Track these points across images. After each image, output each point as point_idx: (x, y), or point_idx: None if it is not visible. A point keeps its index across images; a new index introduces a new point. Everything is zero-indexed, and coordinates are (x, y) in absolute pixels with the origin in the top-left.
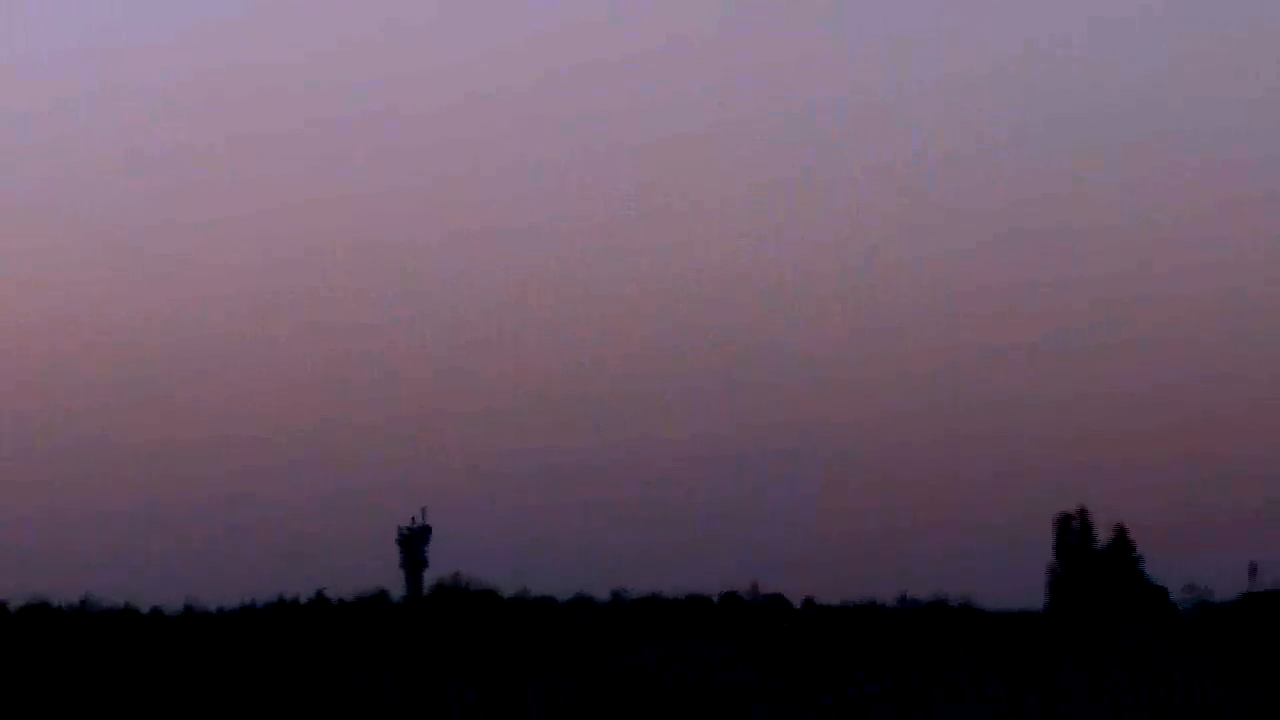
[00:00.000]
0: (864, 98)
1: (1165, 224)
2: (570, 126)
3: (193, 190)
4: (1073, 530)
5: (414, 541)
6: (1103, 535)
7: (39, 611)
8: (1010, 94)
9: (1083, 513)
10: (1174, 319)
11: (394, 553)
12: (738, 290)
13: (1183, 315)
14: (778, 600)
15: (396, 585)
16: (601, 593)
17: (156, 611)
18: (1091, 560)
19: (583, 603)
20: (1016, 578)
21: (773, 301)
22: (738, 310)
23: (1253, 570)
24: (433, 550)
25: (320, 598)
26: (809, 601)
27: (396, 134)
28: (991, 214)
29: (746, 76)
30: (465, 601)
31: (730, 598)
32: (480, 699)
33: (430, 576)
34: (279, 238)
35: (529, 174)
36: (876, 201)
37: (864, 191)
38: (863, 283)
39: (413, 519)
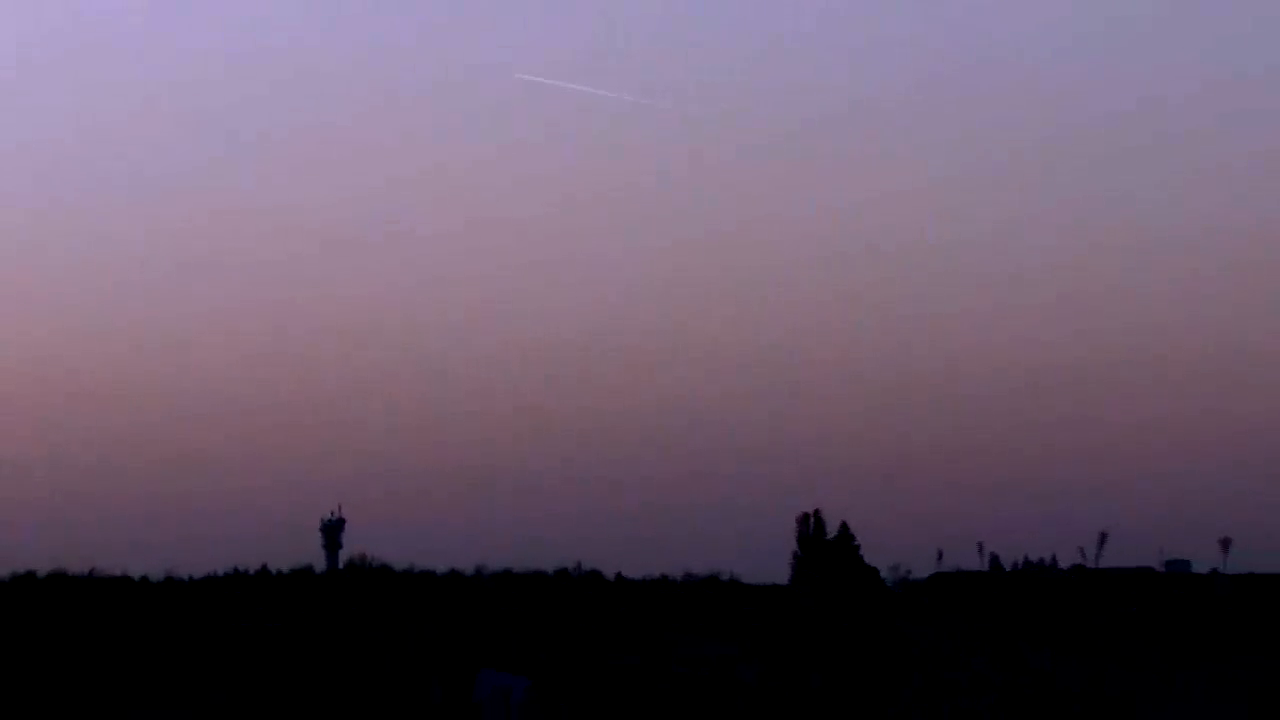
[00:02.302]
0: None
1: None
2: None
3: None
4: (809, 525)
5: (333, 529)
6: (831, 529)
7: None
8: None
9: (817, 512)
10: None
11: (317, 537)
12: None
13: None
14: (595, 575)
15: (319, 562)
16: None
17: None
18: (824, 548)
19: (457, 577)
20: (764, 559)
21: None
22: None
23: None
24: (346, 536)
25: (264, 569)
26: (619, 576)
27: None
28: None
29: None
30: (369, 574)
31: (561, 573)
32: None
33: (343, 556)
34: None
35: None
36: None
37: None
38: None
39: (331, 512)
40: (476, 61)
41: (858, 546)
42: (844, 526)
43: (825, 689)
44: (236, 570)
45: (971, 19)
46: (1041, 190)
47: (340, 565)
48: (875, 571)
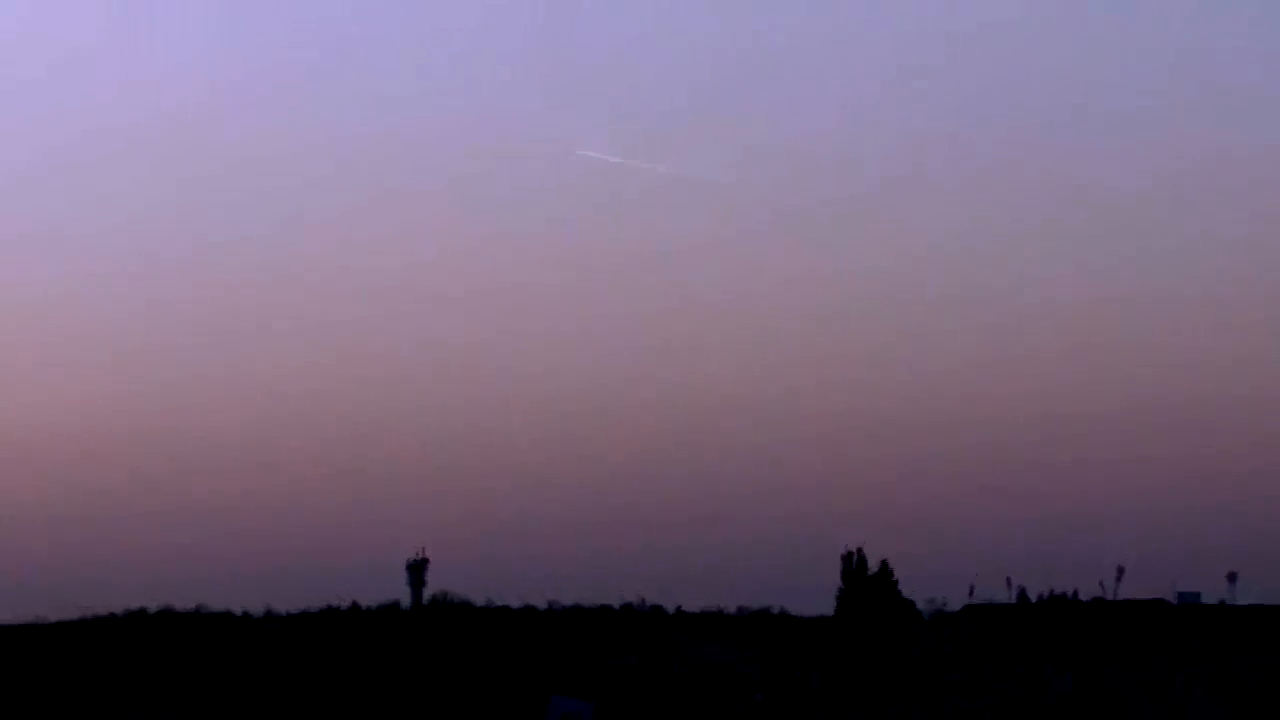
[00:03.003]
0: None
1: None
2: None
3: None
4: (852, 562)
5: (418, 568)
6: (873, 566)
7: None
8: None
9: (860, 550)
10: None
11: (403, 575)
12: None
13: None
14: (658, 609)
15: (405, 598)
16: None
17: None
18: (866, 583)
19: (530, 611)
20: (814, 593)
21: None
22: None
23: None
24: (430, 574)
25: (354, 605)
26: (679, 609)
27: None
28: None
29: None
30: (451, 609)
31: (626, 608)
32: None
33: (427, 592)
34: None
35: None
36: None
37: None
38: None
39: (417, 552)
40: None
41: (896, 581)
42: (884, 564)
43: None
44: (330, 606)
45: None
46: (1049, 246)
47: (425, 601)
48: (912, 604)
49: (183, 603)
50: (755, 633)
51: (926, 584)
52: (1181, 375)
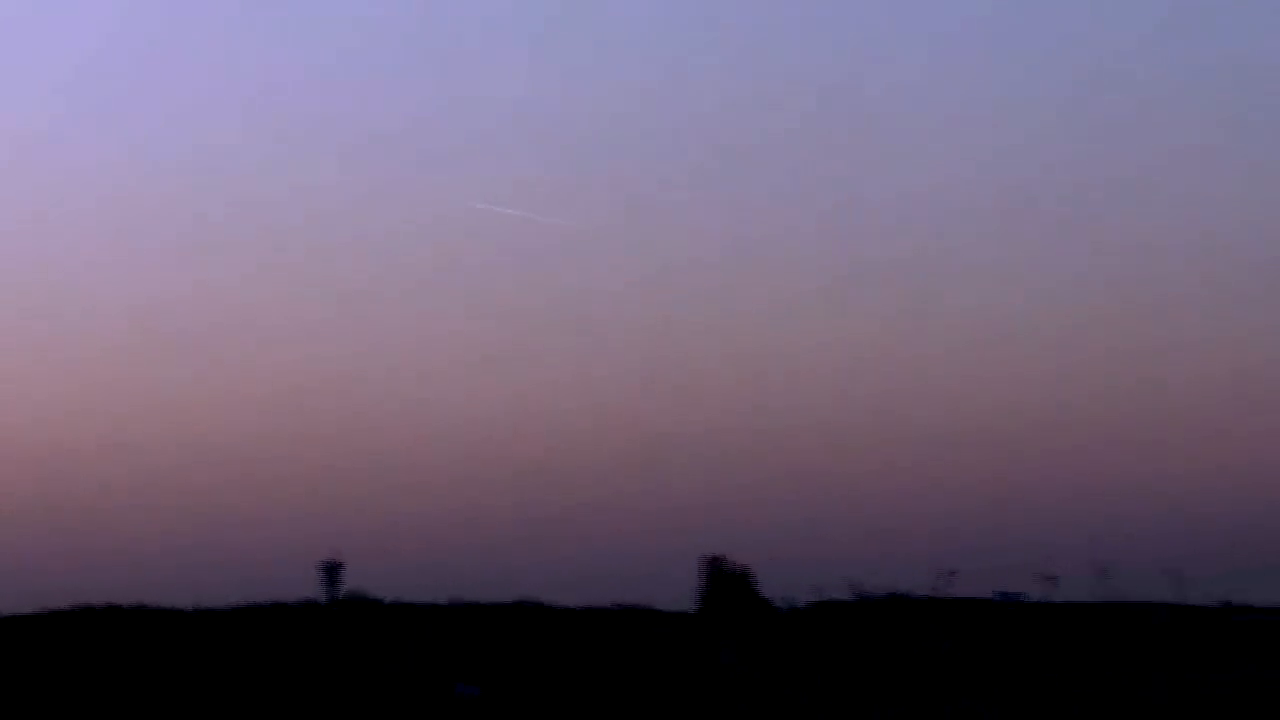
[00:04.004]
0: None
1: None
2: None
3: None
4: (713, 563)
5: (332, 569)
6: (733, 566)
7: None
8: None
9: (721, 556)
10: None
11: (318, 575)
12: None
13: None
14: (540, 605)
15: (321, 597)
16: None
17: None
18: (726, 582)
19: (434, 608)
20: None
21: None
22: None
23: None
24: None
25: (276, 602)
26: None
27: None
28: None
29: None
30: (362, 607)
31: (518, 604)
32: None
33: (340, 590)
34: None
35: None
36: None
37: None
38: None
39: (330, 554)
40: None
41: (754, 580)
42: (743, 565)
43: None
44: (253, 603)
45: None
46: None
47: (338, 598)
48: (768, 601)
49: (111, 598)
50: (627, 627)
51: (781, 583)
52: (1006, 386)
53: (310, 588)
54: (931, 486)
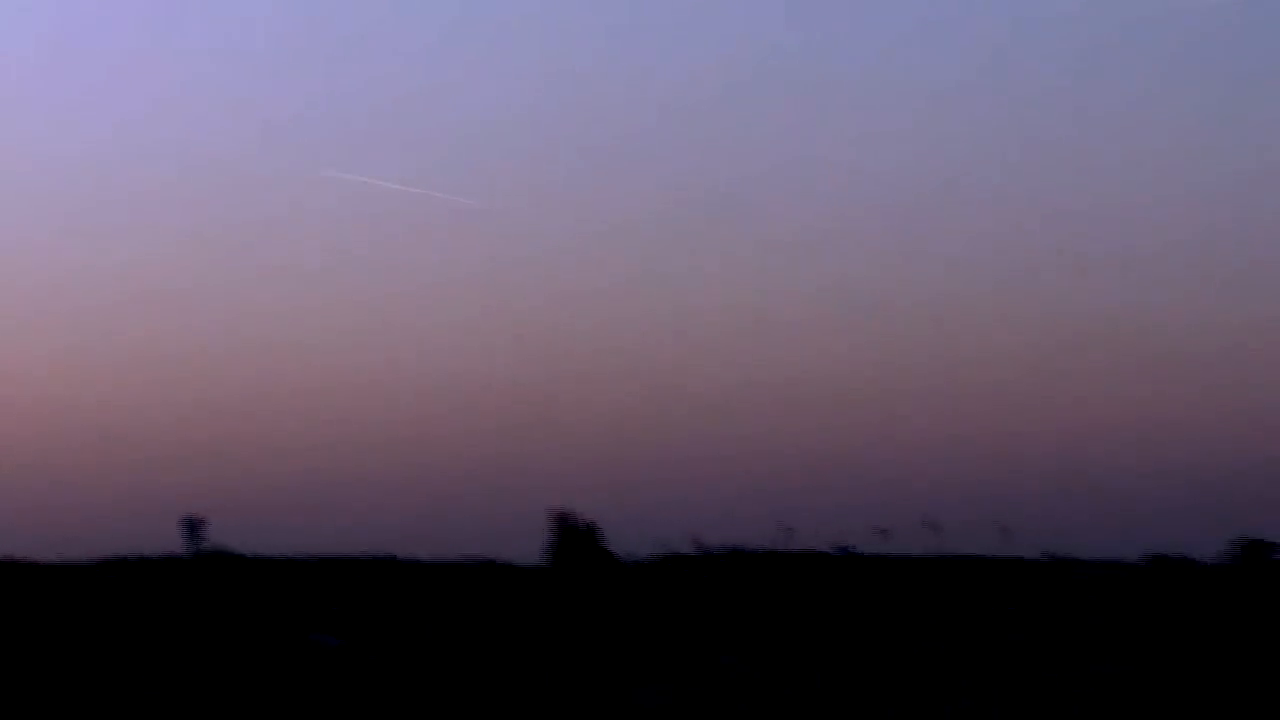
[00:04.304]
0: None
1: None
2: None
3: None
4: (563, 518)
5: (194, 525)
6: (581, 521)
7: None
8: None
9: (569, 512)
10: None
11: (180, 531)
12: None
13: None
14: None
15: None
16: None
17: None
18: (574, 536)
19: (291, 562)
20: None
21: None
22: None
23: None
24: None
25: (141, 556)
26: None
27: None
28: None
29: None
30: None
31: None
32: None
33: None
34: None
35: None
36: None
37: None
38: None
39: (193, 510)
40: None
41: (600, 534)
42: (590, 519)
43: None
44: (117, 556)
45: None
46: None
47: (200, 553)
48: (614, 555)
49: None
50: (479, 580)
51: (626, 537)
52: (846, 351)
53: (174, 543)
54: (772, 445)
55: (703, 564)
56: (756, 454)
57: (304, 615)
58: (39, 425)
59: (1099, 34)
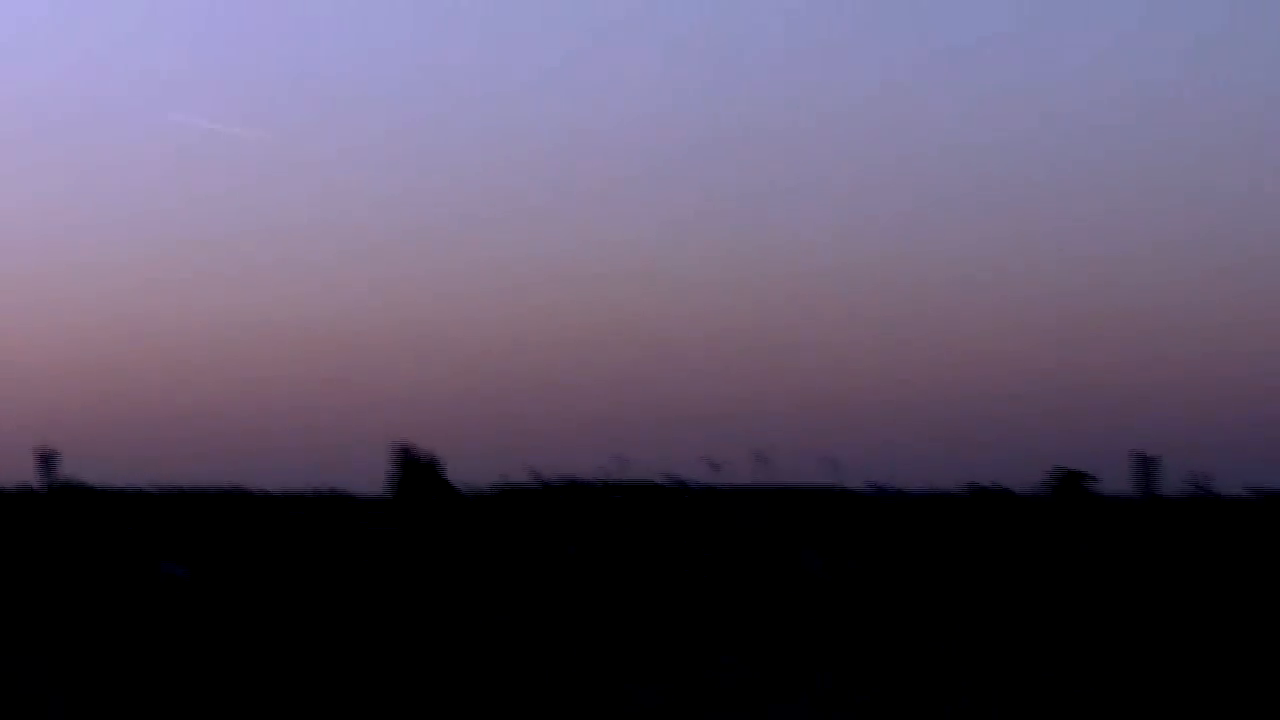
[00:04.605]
0: None
1: None
2: None
3: None
4: (405, 451)
5: (47, 458)
6: (422, 455)
7: None
8: None
9: (410, 445)
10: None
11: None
12: None
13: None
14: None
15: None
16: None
17: None
18: (417, 469)
19: (141, 494)
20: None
21: None
22: None
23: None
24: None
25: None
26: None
27: None
28: None
29: None
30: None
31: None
32: None
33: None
34: None
35: None
36: None
37: None
38: None
39: (46, 444)
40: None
41: (440, 467)
42: (430, 452)
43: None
44: None
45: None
46: None
47: (52, 486)
48: (454, 487)
49: None
50: (325, 511)
51: (469, 470)
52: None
53: (27, 475)
54: (605, 379)
55: (540, 495)
56: (589, 387)
57: (154, 546)
58: None
59: None
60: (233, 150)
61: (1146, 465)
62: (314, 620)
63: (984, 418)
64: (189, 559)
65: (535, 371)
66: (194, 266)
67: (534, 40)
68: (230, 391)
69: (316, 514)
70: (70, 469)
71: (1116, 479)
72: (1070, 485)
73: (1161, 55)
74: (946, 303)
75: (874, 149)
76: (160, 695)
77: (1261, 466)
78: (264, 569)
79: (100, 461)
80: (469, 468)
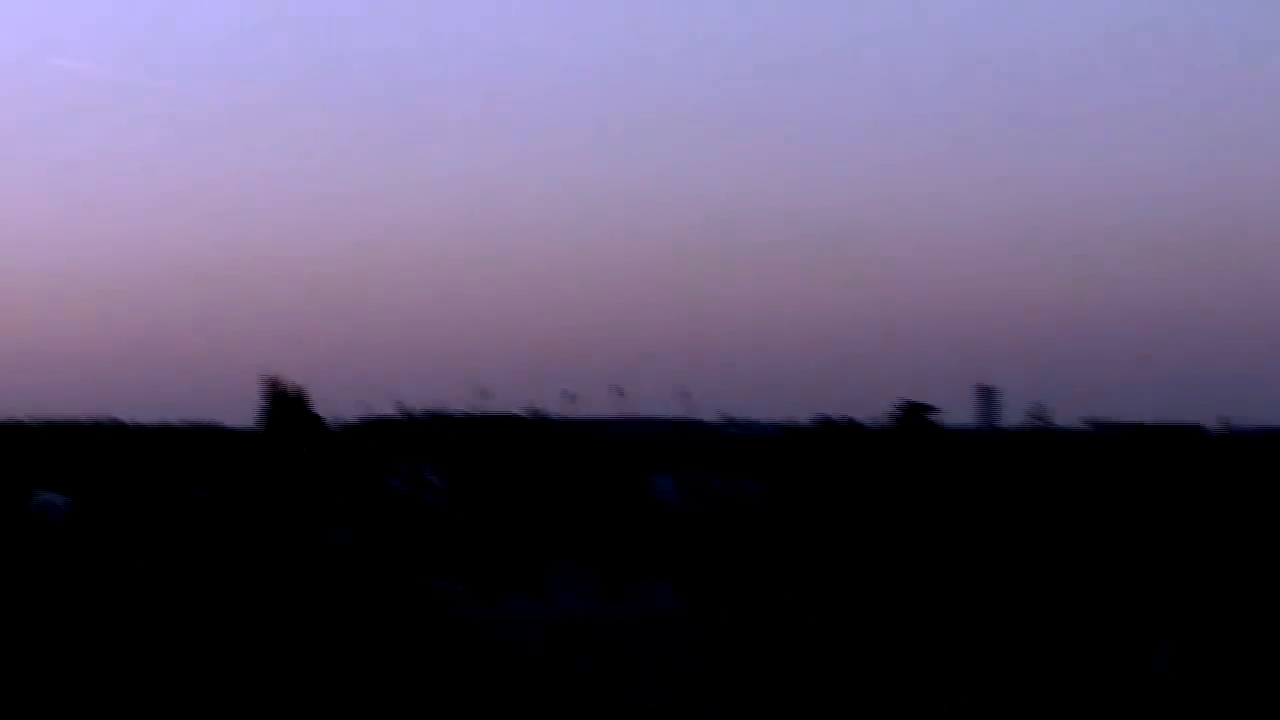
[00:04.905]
0: None
1: None
2: None
3: None
4: (273, 385)
5: None
6: (289, 388)
7: None
8: None
9: (278, 378)
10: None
11: None
12: None
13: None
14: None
15: None
16: None
17: None
18: (283, 400)
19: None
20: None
21: None
22: None
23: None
24: None
25: None
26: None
27: None
28: None
29: None
30: None
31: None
32: None
33: None
34: None
35: None
36: None
37: None
38: None
39: None
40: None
41: (308, 399)
42: (298, 384)
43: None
44: None
45: None
46: None
47: None
48: (321, 419)
49: None
50: (198, 442)
51: (336, 402)
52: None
53: None
54: (469, 310)
55: (404, 426)
56: (453, 319)
57: (30, 476)
58: None
59: None
60: (110, 94)
61: (988, 398)
62: (187, 547)
63: (835, 352)
64: (65, 489)
65: (400, 305)
66: (68, 198)
67: None
68: (102, 325)
69: (189, 445)
70: None
71: (960, 412)
72: (914, 417)
73: None
74: (798, 240)
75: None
76: (37, 622)
77: (1100, 400)
78: (140, 497)
79: None
80: (336, 400)
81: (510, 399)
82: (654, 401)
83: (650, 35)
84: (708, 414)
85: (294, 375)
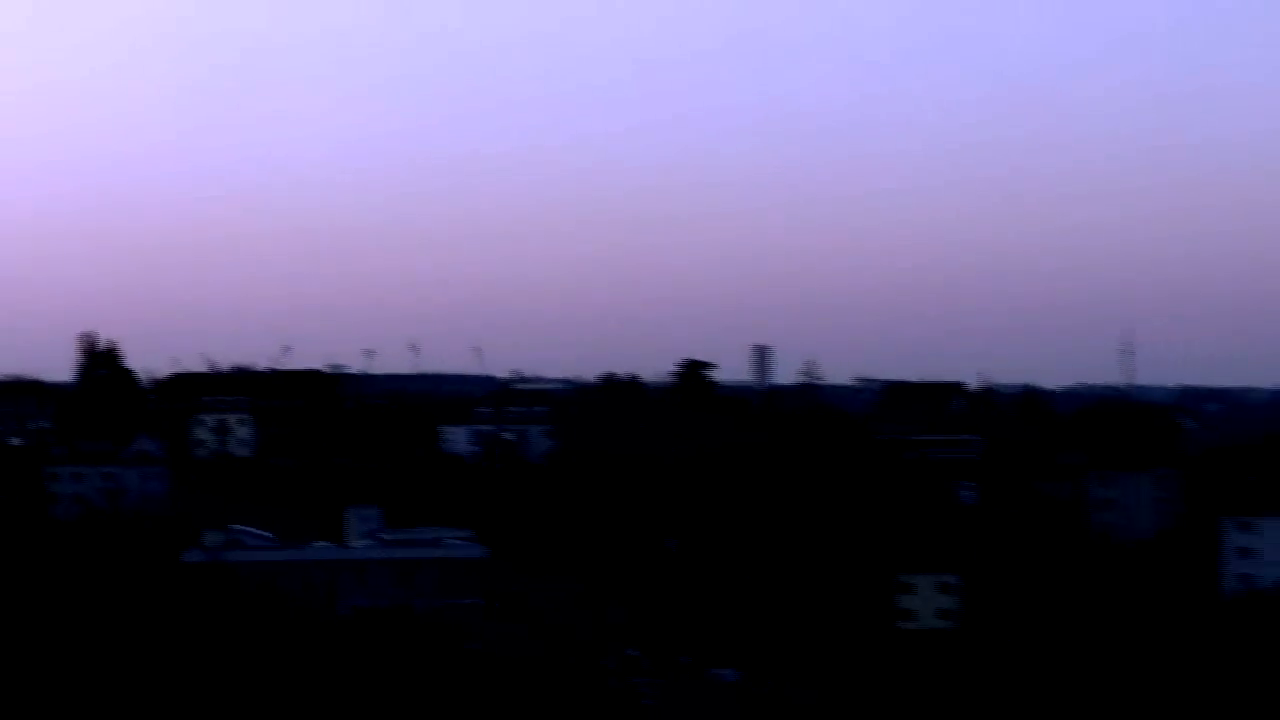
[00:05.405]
0: None
1: None
2: None
3: None
4: (88, 341)
5: None
6: (104, 344)
7: None
8: None
9: (93, 334)
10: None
11: None
12: None
13: None
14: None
15: None
16: None
17: None
18: (98, 356)
19: None
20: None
21: None
22: None
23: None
24: None
25: None
26: None
27: None
28: None
29: None
30: None
31: None
32: None
33: None
34: None
35: None
36: None
37: None
38: None
39: None
40: None
41: (120, 355)
42: (112, 341)
43: None
44: None
45: None
46: None
47: None
48: (132, 373)
49: None
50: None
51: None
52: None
53: None
54: (271, 270)
55: (212, 380)
56: (258, 277)
57: None
58: None
59: None
60: None
61: (762, 356)
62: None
63: (619, 314)
64: None
65: (209, 265)
66: None
67: None
68: None
69: (6, 398)
70: None
71: (738, 369)
72: (693, 375)
73: None
74: (581, 196)
75: None
76: None
77: (868, 358)
78: None
79: None
80: (147, 355)
81: (312, 355)
82: (448, 358)
83: None
84: (499, 370)
85: (109, 331)
